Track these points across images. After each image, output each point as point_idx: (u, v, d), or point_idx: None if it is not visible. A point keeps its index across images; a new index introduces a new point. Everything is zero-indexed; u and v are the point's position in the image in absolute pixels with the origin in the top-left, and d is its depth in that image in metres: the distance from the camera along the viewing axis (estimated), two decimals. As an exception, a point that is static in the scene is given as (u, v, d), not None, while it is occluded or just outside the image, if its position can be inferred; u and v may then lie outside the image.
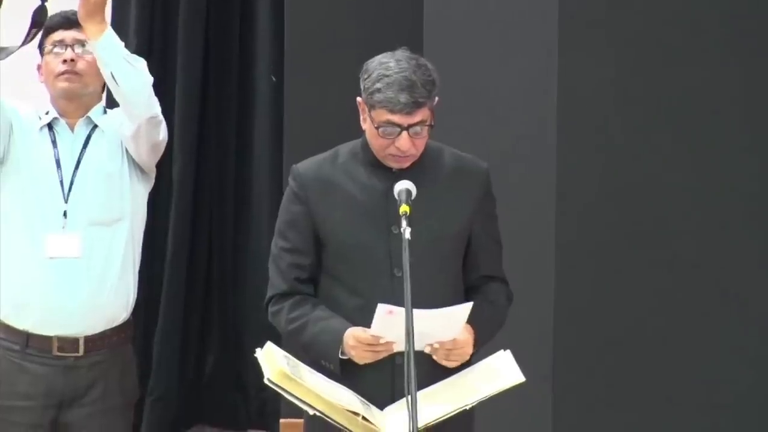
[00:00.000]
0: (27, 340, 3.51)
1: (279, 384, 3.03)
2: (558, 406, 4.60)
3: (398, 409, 3.00)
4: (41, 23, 3.49)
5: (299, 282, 3.21)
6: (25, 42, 3.38)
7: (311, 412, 3.08)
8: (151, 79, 3.59)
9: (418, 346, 2.93)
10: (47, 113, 3.53)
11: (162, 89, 4.52)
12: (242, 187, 5.56)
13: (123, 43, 3.57)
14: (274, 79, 5.41)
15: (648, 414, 4.78)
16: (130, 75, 3.47)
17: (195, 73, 5.55)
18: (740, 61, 4.84)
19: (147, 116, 3.51)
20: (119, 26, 5.28)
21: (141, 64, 3.56)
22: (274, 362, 3.03)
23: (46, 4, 3.49)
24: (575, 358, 4.73)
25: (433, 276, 3.10)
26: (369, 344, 3.04)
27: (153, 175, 3.68)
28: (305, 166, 3.26)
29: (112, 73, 3.44)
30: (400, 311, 2.90)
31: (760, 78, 4.76)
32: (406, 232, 2.97)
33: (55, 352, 3.51)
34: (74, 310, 3.49)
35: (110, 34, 3.48)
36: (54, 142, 3.55)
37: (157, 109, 3.65)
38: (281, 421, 5.02)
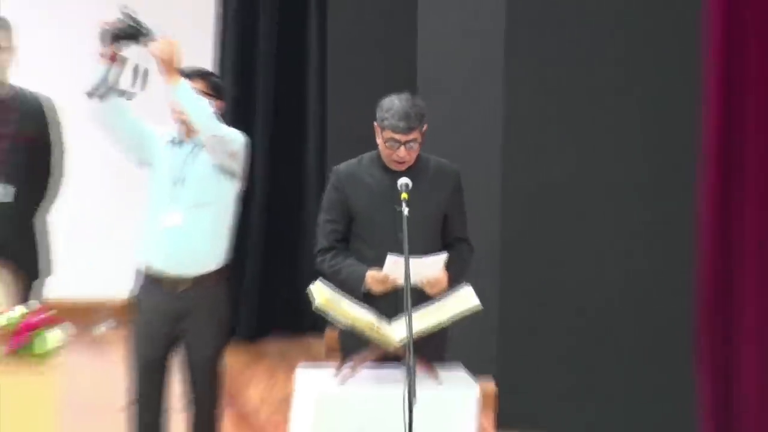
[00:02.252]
0: (159, 278, 4.91)
1: (323, 307, 4.39)
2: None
3: (400, 322, 4.28)
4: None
5: (336, 241, 4.59)
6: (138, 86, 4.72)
7: (344, 325, 4.48)
8: (210, 112, 4.85)
9: (412, 281, 4.23)
10: (171, 135, 4.95)
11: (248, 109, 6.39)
12: (301, 182, 7.57)
13: (192, 89, 4.81)
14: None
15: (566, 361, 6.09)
16: (195, 111, 4.78)
17: (268, 102, 7.65)
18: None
19: (209, 135, 4.81)
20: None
21: (203, 102, 4.85)
22: (320, 293, 4.35)
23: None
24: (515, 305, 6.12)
25: (422, 238, 4.43)
26: (381, 281, 4.39)
27: (237, 175, 4.98)
28: (341, 167, 4.67)
29: (183, 109, 4.80)
30: (401, 259, 4.22)
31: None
32: (405, 211, 4.30)
33: (174, 286, 4.91)
34: (184, 260, 4.89)
35: (183, 83, 4.75)
36: (174, 153, 4.95)
37: (217, 131, 4.88)
38: (326, 331, 7.06)
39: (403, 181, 4.44)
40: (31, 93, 5.67)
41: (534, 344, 6.25)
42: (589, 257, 6.15)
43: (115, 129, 5.00)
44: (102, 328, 7.76)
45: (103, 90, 4.84)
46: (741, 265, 4.99)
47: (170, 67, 4.72)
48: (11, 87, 5.58)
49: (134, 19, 4.77)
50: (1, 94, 5.55)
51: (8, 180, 5.54)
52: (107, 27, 4.77)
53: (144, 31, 4.77)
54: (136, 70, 4.78)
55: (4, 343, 4.72)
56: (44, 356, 4.79)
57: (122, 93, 4.86)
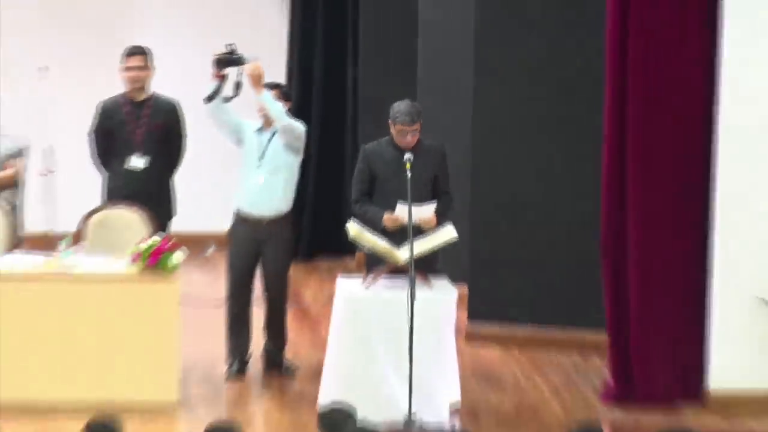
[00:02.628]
0: (247, 218, 6.54)
1: (355, 238, 5.97)
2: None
3: (405, 247, 5.79)
4: (233, 61, 6.41)
5: (363, 194, 6.19)
6: (236, 94, 6.48)
7: (368, 249, 6.09)
8: (282, 110, 6.51)
9: (414, 221, 5.75)
10: (257, 125, 6.56)
11: (306, 107, 8.78)
12: (341, 155, 9.44)
13: (271, 96, 6.50)
14: None
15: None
16: (273, 110, 6.44)
17: (319, 101, 9.61)
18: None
19: (282, 125, 6.46)
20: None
21: (278, 104, 6.47)
22: (353, 229, 5.92)
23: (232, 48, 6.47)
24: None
25: (420, 192, 5.99)
26: (393, 220, 5.95)
27: (300, 151, 6.59)
28: (368, 146, 6.31)
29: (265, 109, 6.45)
30: (406, 206, 5.77)
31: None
32: (408, 174, 5.82)
33: (257, 223, 6.54)
34: (264, 206, 6.54)
35: (265, 92, 6.47)
36: (258, 137, 6.58)
37: (287, 122, 6.53)
38: (357, 253, 8.55)
39: (408, 156, 5.94)
40: (165, 97, 7.19)
41: (495, 259, 7.57)
42: (538, 193, 7.44)
43: (222, 122, 6.63)
44: (209, 251, 9.16)
45: (215, 98, 6.51)
46: (626, 201, 6.36)
47: (257, 82, 6.42)
48: (151, 93, 7.14)
49: (234, 51, 6.47)
50: (141, 98, 7.09)
51: (145, 153, 7.07)
52: (217, 56, 6.45)
53: (240, 59, 6.44)
54: (236, 83, 6.48)
55: (145, 261, 6.12)
56: (171, 270, 6.18)
57: (226, 99, 6.52)
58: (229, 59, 6.49)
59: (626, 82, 6.33)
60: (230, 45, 6.49)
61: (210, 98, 6.53)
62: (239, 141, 6.71)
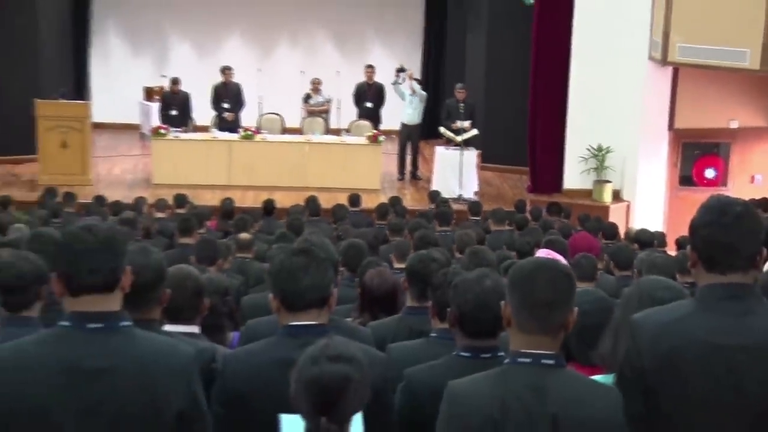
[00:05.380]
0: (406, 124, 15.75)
1: (443, 133, 15.23)
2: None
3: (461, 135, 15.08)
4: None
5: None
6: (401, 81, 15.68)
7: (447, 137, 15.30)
8: (419, 87, 15.24)
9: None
10: (409, 93, 15.49)
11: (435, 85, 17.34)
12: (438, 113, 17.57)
13: (415, 81, 15.33)
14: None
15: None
16: (417, 87, 15.12)
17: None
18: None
19: (419, 94, 15.08)
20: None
21: (417, 85, 15.16)
22: (445, 132, 15.22)
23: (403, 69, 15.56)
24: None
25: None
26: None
27: (424, 101, 15.44)
28: None
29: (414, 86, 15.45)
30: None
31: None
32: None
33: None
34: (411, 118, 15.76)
35: (414, 82, 15.37)
36: (410, 98, 15.51)
37: (421, 92, 15.10)
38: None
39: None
40: None
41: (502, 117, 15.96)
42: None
43: (398, 92, 15.17)
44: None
45: (396, 86, 15.35)
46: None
47: (410, 77, 15.11)
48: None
49: (402, 66, 15.38)
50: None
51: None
52: (398, 67, 15.24)
53: (405, 68, 15.30)
54: (401, 77, 15.34)
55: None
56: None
57: (398, 83, 15.31)
58: (401, 68, 15.25)
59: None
60: (401, 64, 15.29)
61: (394, 83, 15.20)
62: (403, 97, 15.29)
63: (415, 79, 15.40)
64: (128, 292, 2.92)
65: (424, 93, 15.25)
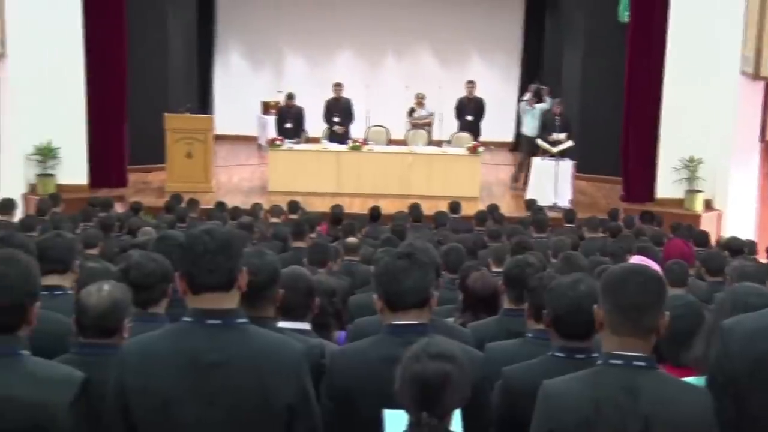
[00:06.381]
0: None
1: (541, 146, 15.09)
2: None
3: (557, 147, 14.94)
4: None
5: None
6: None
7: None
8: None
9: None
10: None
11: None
12: None
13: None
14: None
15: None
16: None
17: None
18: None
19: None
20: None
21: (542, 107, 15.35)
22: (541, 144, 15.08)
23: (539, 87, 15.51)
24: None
25: None
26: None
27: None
28: None
29: None
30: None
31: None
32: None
33: None
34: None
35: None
36: (529, 108, 15.79)
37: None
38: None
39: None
40: None
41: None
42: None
43: (523, 110, 15.38)
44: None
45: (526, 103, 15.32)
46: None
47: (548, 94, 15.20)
48: None
49: (539, 86, 15.33)
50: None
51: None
52: (533, 85, 15.17)
53: (540, 86, 15.25)
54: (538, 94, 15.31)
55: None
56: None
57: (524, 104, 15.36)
58: (538, 88, 15.17)
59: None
60: (537, 81, 15.15)
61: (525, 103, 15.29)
62: (524, 112, 15.39)
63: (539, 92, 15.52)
64: (245, 292, 2.94)
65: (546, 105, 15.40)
